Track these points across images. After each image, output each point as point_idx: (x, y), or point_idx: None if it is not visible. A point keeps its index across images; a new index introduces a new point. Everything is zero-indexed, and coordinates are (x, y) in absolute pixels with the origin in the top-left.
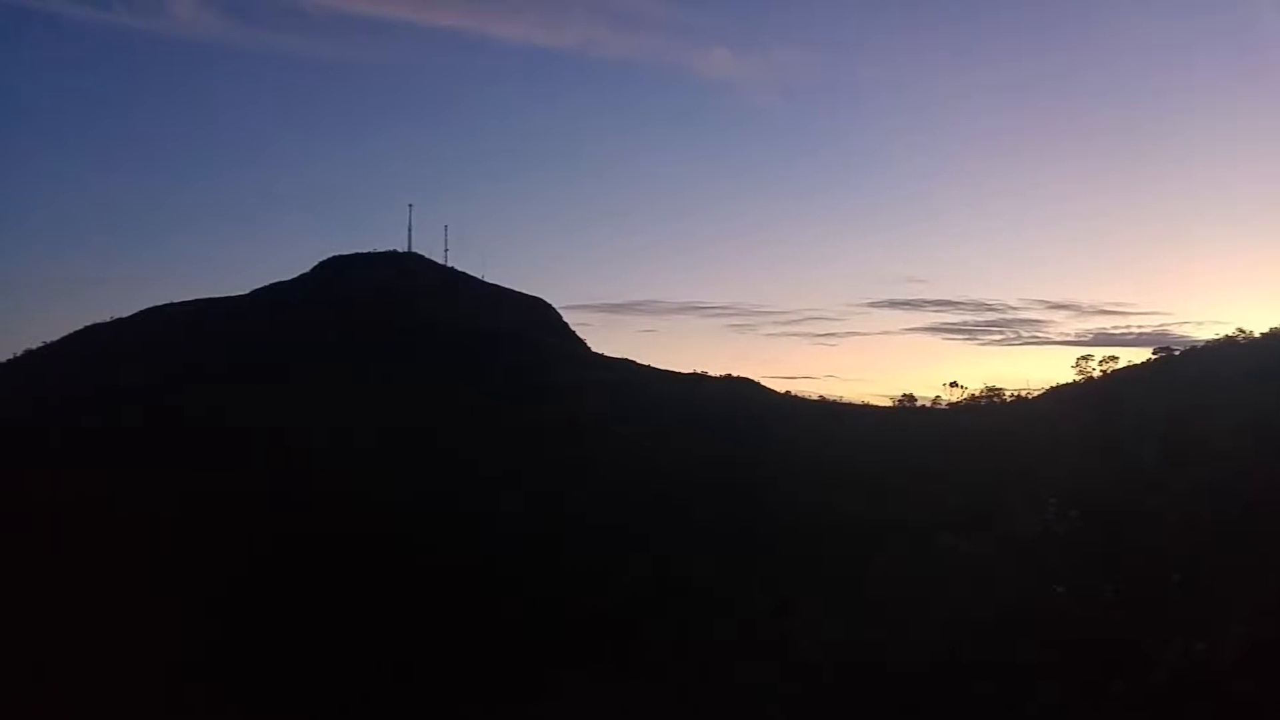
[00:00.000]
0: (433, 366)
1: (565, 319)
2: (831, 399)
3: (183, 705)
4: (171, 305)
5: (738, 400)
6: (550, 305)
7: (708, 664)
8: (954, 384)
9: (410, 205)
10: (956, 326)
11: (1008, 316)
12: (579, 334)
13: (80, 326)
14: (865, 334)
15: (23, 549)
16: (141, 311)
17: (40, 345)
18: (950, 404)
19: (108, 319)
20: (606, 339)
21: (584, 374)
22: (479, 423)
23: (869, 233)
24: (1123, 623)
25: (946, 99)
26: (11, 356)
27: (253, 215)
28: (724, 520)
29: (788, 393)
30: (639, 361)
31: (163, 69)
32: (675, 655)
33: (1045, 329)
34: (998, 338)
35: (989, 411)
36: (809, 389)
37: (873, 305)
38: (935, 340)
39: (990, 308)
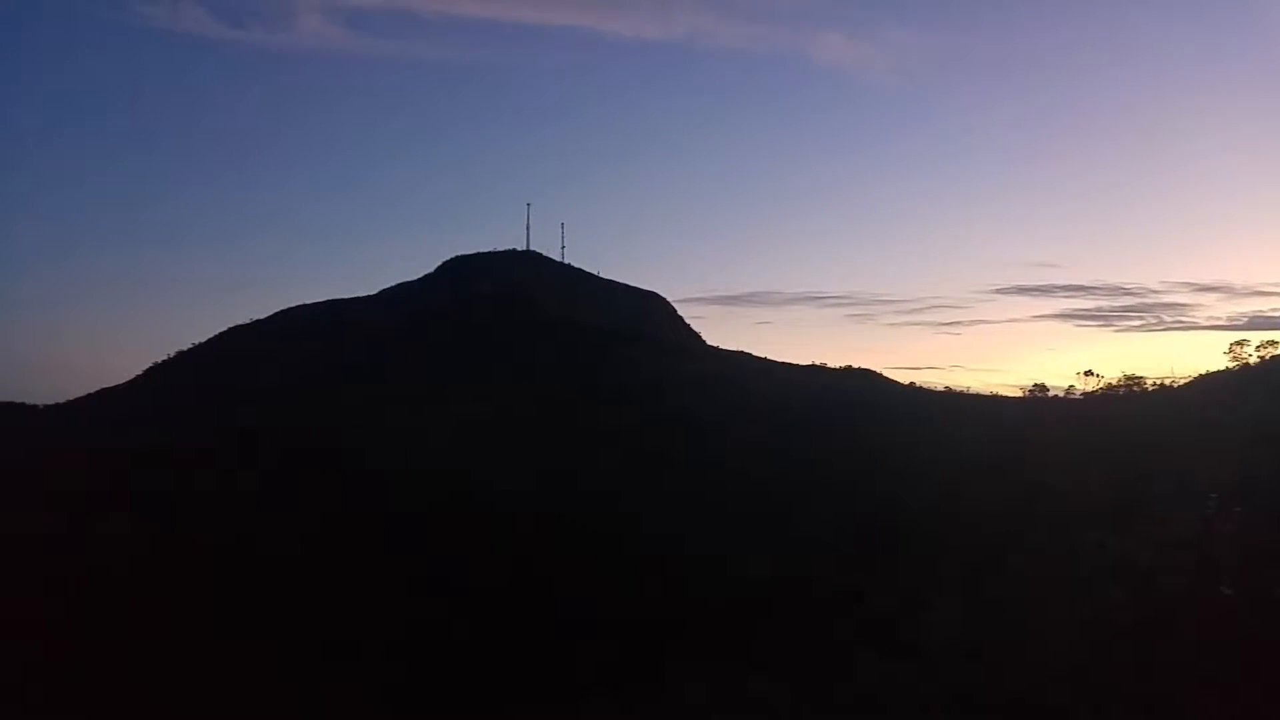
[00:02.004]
0: (549, 364)
1: (680, 312)
2: (958, 389)
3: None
4: (304, 307)
5: (859, 392)
6: (665, 299)
7: (829, 661)
8: (1089, 372)
9: (528, 204)
10: (1091, 312)
11: (1148, 301)
12: (694, 327)
13: (223, 329)
14: (992, 322)
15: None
16: (277, 313)
17: (189, 347)
18: (1086, 394)
19: (247, 321)
20: (722, 332)
21: (701, 368)
22: (598, 420)
23: (995, 217)
24: None
25: (1074, 73)
26: (165, 358)
27: (380, 218)
28: (847, 516)
29: (911, 384)
30: (756, 354)
31: (293, 81)
32: (796, 653)
33: (1192, 313)
34: (1137, 323)
35: (1130, 401)
36: (933, 379)
37: (999, 292)
38: (1067, 327)
39: (1128, 292)
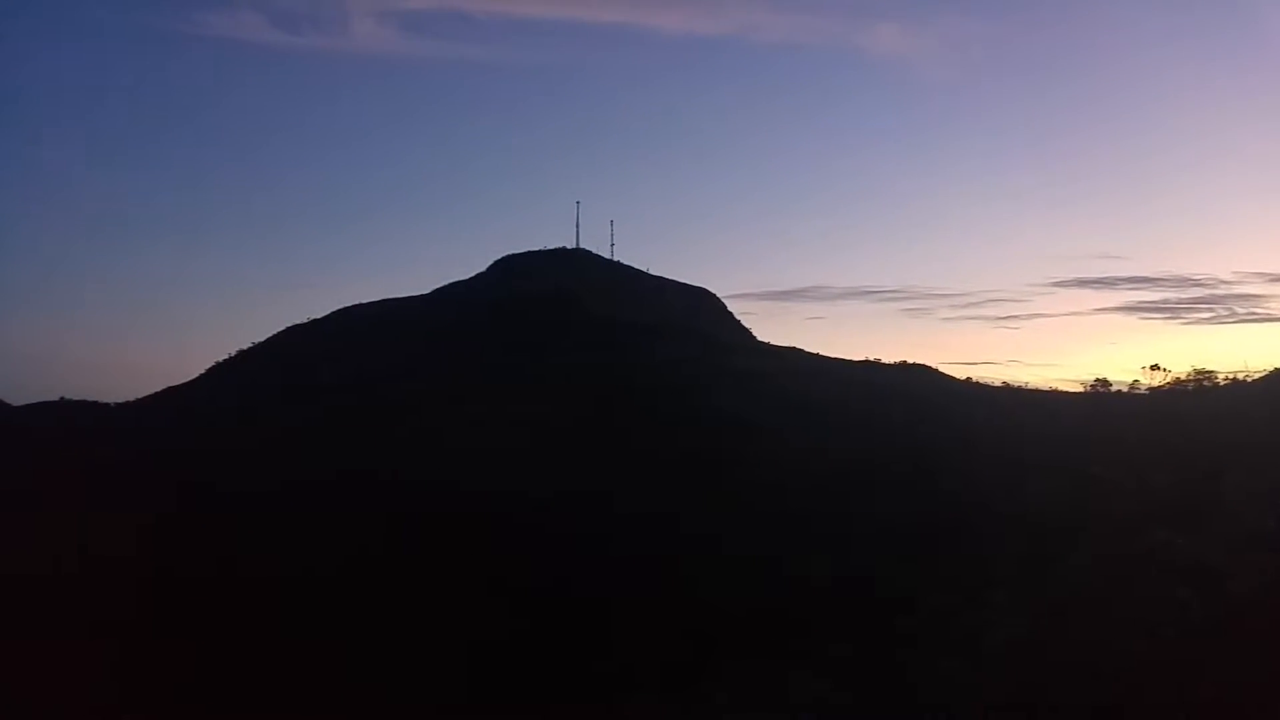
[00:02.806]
0: (599, 362)
1: (730, 308)
2: (1016, 385)
3: None
4: (360, 306)
5: (915, 388)
6: (715, 295)
7: (887, 660)
8: (1155, 366)
9: (578, 202)
10: (1156, 305)
11: (1218, 292)
12: (744, 323)
13: (282, 328)
14: (1051, 315)
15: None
16: (334, 312)
17: (250, 345)
18: (1152, 388)
19: (305, 320)
20: (772, 327)
21: (751, 364)
22: (650, 417)
23: (1054, 207)
24: None
25: (1138, 57)
26: (226, 356)
27: (434, 217)
28: (904, 514)
29: (968, 379)
30: (808, 350)
31: (348, 85)
32: (853, 652)
33: (1266, 304)
34: (1205, 315)
35: (1199, 396)
36: (990, 375)
37: (1058, 285)
38: (1131, 320)
39: (1196, 283)
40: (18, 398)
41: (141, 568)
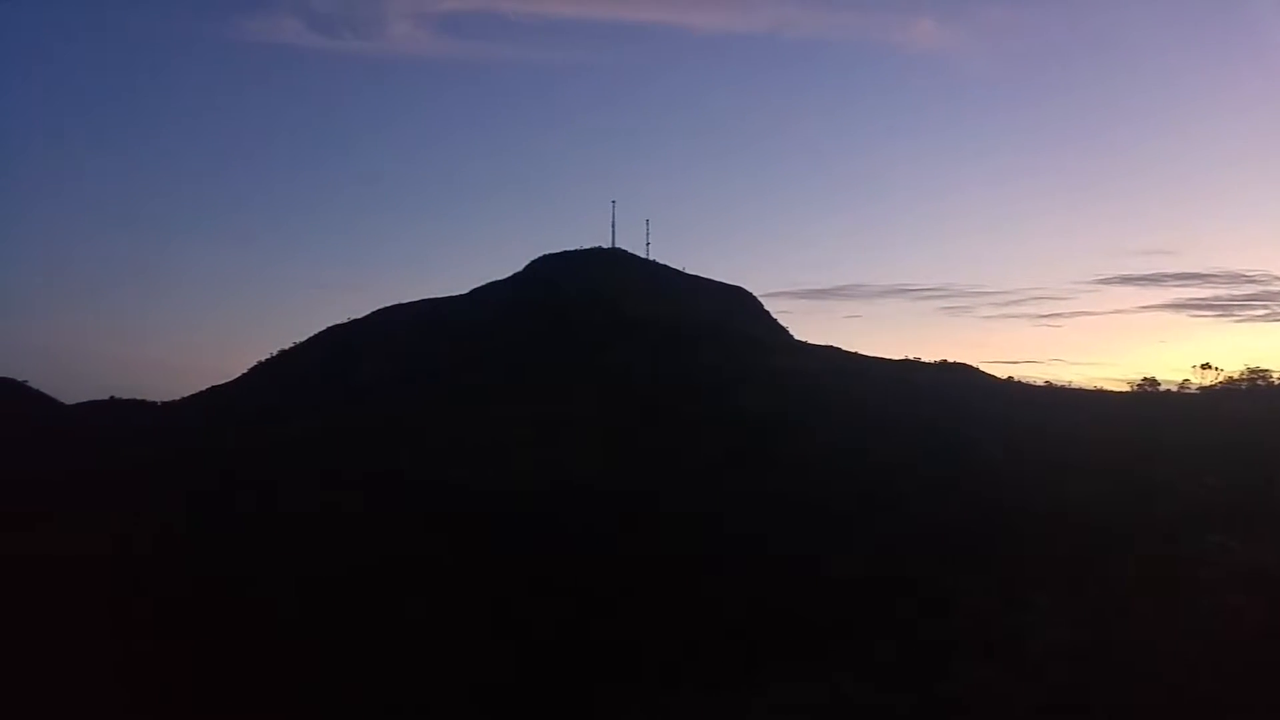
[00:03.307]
0: (635, 361)
1: (766, 307)
2: (1059, 384)
3: None
4: (400, 307)
5: (955, 387)
6: (751, 294)
7: (928, 662)
8: (1206, 365)
9: (614, 201)
10: (1207, 302)
11: (1272, 289)
12: (781, 322)
13: (323, 327)
14: (1095, 313)
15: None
16: (374, 312)
17: (291, 345)
18: (1203, 388)
19: (345, 320)
20: (809, 326)
21: (789, 363)
22: (685, 416)
23: (1098, 202)
24: None
25: (1184, 47)
26: (268, 356)
27: (471, 218)
28: (944, 515)
29: (1009, 378)
30: (846, 349)
31: (385, 86)
32: (892, 653)
33: None
34: (1260, 313)
35: (1252, 396)
36: (1032, 374)
37: (1103, 282)
38: (1180, 318)
39: (1249, 279)
40: (71, 396)
41: (173, 564)
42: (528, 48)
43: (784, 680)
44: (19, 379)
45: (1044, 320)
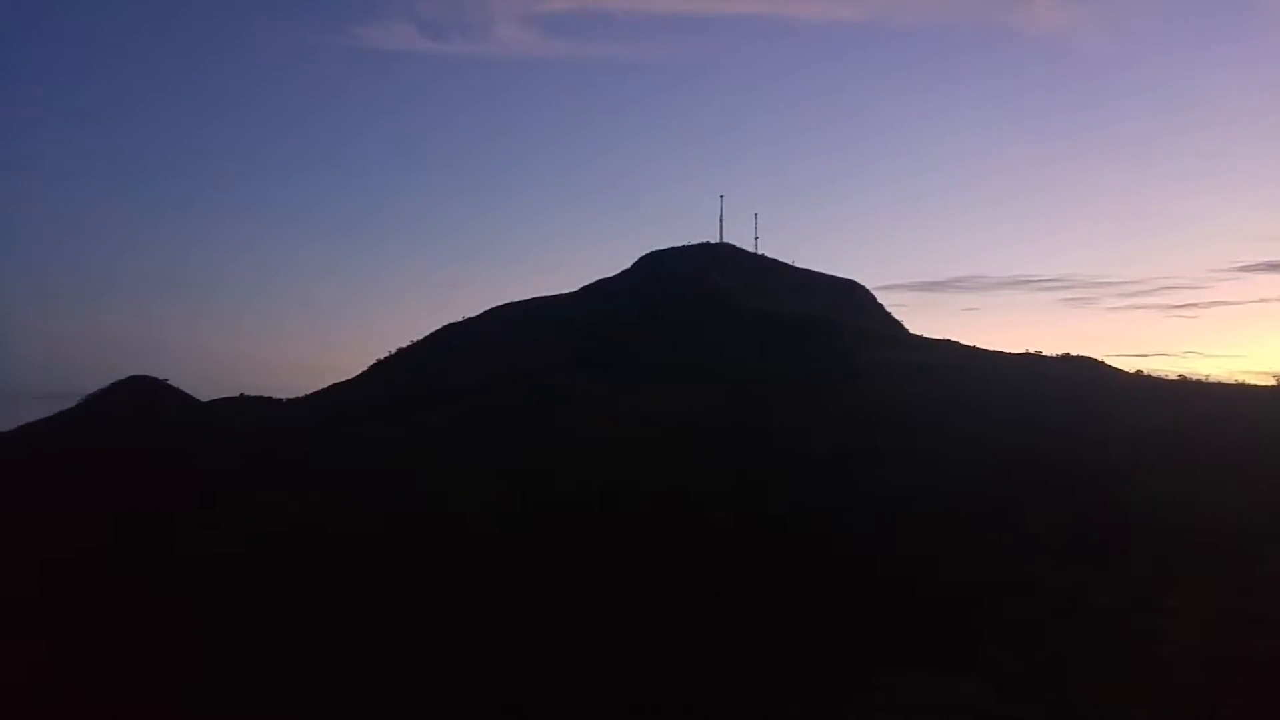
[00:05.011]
0: (745, 357)
1: (880, 300)
2: (1194, 378)
3: None
4: (511, 305)
5: (1079, 382)
6: (863, 287)
7: (1050, 668)
8: None
9: (721, 196)
10: None
11: None
12: (895, 315)
13: (438, 326)
14: (1234, 303)
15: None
16: (487, 311)
17: (408, 344)
18: None
19: (460, 319)
20: (925, 319)
21: (902, 358)
22: (797, 414)
23: (1237, 185)
24: None
25: None
26: (387, 354)
27: (578, 215)
28: (1068, 514)
29: (1138, 372)
30: (963, 342)
31: (493, 87)
32: (1013, 655)
33: None
34: None
35: None
36: (1164, 367)
37: (1243, 269)
38: None
39: None
40: (205, 393)
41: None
42: (632, 44)
43: (901, 681)
44: (160, 377)
45: (1177, 311)
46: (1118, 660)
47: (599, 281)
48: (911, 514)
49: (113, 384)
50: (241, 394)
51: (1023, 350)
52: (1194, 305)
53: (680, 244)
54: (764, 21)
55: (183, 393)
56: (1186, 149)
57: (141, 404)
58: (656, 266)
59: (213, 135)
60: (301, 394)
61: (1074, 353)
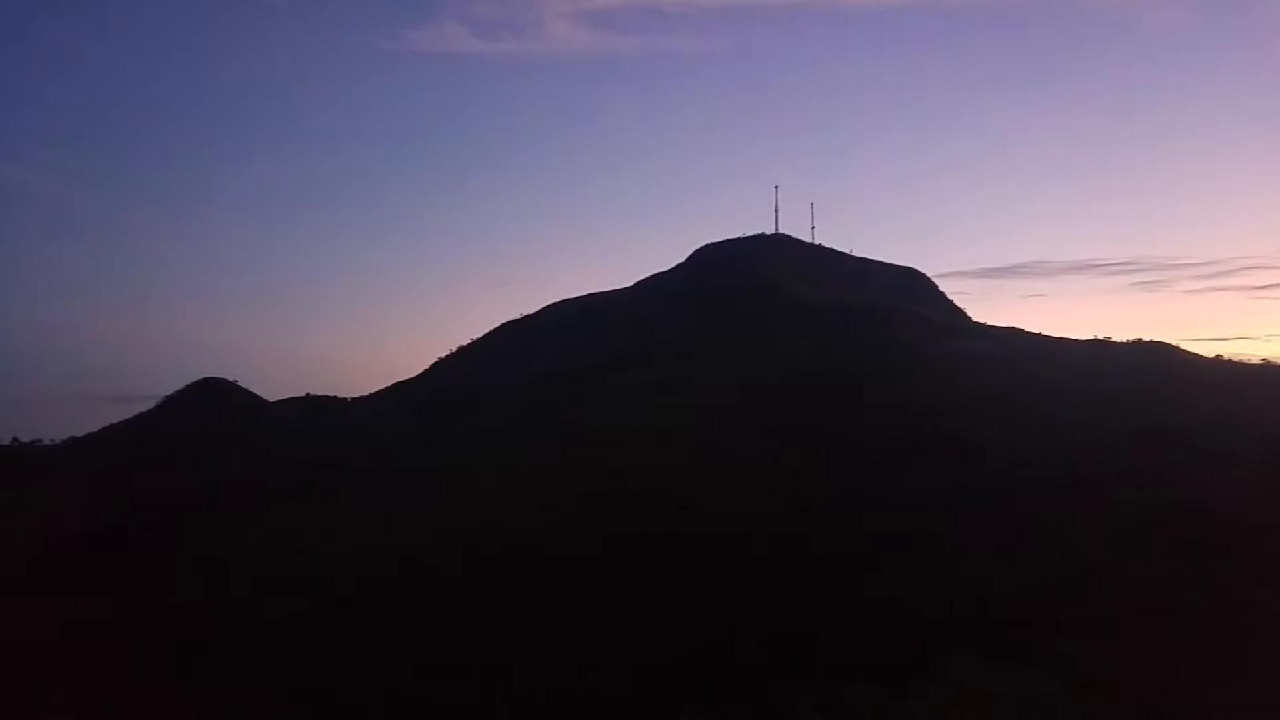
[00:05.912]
0: (803, 347)
1: (941, 288)
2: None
3: None
4: (569, 301)
5: (1153, 369)
6: (924, 275)
7: (1127, 663)
8: None
9: (776, 187)
10: None
11: None
12: (957, 303)
13: (497, 324)
14: None
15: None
16: (544, 308)
17: (469, 341)
18: None
19: (518, 316)
20: (988, 307)
21: (965, 346)
22: (857, 405)
23: None
24: None
25: None
26: (447, 353)
27: (633, 210)
28: (1146, 508)
29: (1217, 357)
30: (1029, 330)
31: (546, 85)
32: (1088, 649)
33: None
34: None
35: None
36: (1246, 352)
37: None
38: None
39: None
40: (272, 393)
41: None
42: (683, 37)
43: (970, 674)
44: (230, 378)
45: (1259, 292)
46: (1206, 659)
47: (654, 276)
48: (974, 506)
49: (187, 385)
50: (307, 393)
51: (1091, 336)
52: (1276, 286)
53: (735, 236)
54: (814, 8)
55: (250, 392)
56: (1265, 122)
57: (215, 405)
58: (711, 259)
59: (274, 142)
60: (366, 392)
61: (1146, 338)
